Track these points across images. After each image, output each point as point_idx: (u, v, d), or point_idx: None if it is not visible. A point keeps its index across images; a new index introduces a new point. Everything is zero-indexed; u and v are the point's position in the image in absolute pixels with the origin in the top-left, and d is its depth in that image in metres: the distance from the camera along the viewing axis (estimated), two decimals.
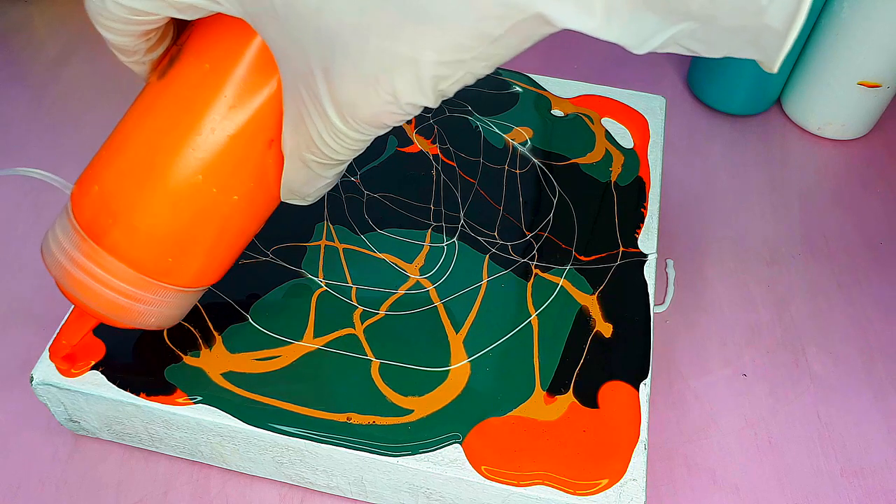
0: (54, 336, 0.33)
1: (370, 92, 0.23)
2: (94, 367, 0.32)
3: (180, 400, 0.32)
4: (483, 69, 0.23)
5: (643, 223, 0.39)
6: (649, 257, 0.37)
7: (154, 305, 0.29)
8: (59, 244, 0.28)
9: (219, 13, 0.25)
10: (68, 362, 0.32)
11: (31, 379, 0.32)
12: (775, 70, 0.21)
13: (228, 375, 0.32)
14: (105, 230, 0.27)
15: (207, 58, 0.26)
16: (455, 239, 0.38)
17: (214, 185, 0.27)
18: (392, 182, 0.40)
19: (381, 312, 0.35)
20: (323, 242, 0.37)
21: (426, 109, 0.44)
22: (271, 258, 0.36)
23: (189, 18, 0.25)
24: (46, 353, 0.33)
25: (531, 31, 0.21)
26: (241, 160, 0.26)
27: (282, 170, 0.27)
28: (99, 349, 0.33)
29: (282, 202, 0.29)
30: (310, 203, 0.30)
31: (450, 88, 0.23)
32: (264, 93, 0.26)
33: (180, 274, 0.28)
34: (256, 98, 0.26)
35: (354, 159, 0.41)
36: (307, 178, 0.27)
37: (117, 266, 0.27)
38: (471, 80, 0.23)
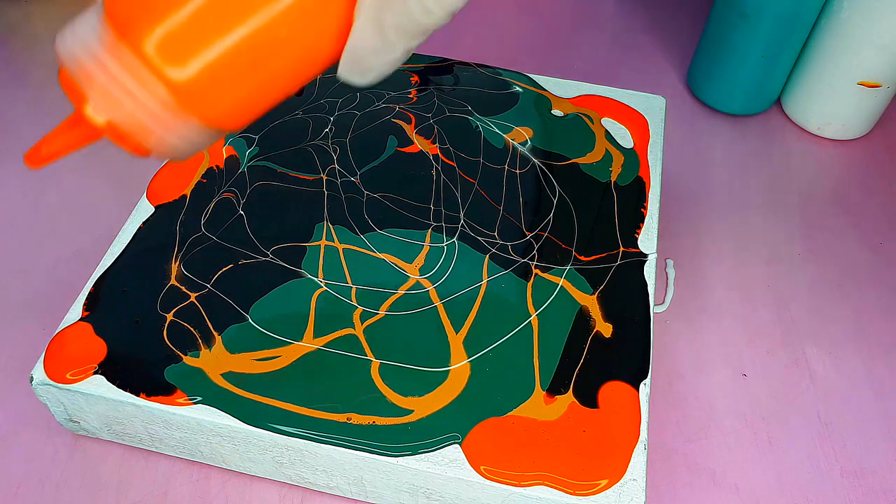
0: (52, 338, 0.33)
1: None
2: (94, 372, 0.32)
3: (180, 400, 0.32)
4: None
5: (643, 223, 0.39)
6: (649, 257, 0.37)
7: (161, 126, 0.26)
8: (78, 35, 0.26)
9: None
10: (36, 164, 0.27)
11: (31, 379, 0.32)
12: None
13: (228, 376, 0.32)
14: (132, 24, 0.24)
15: None
16: (455, 239, 0.38)
17: (266, 12, 0.23)
18: (392, 182, 0.40)
19: (381, 312, 0.35)
20: (323, 242, 0.37)
21: (427, 109, 0.44)
22: (271, 258, 0.36)
23: None
24: (45, 354, 0.33)
25: None
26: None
27: (338, 31, 0.24)
28: (101, 350, 0.33)
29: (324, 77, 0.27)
30: (367, 83, 0.25)
31: None
32: None
33: (202, 100, 0.25)
34: None
35: (354, 159, 0.41)
36: (377, 47, 0.23)
37: (140, 70, 0.24)
38: None
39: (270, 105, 0.26)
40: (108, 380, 0.32)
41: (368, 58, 0.24)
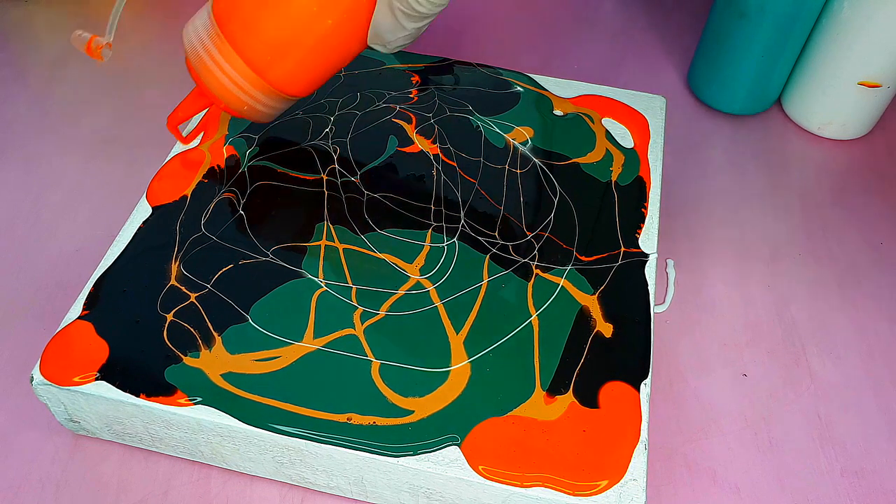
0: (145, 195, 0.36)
1: None
2: (96, 379, 0.32)
3: (181, 401, 0.32)
4: None
5: (643, 223, 0.39)
6: (650, 257, 0.37)
7: (249, 96, 0.36)
8: (195, 27, 0.36)
9: None
10: (173, 126, 0.39)
11: (32, 379, 0.32)
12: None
13: (228, 376, 0.32)
14: (228, 20, 0.35)
15: None
16: (455, 239, 0.38)
17: (316, 6, 0.34)
18: (392, 182, 0.40)
19: (382, 313, 0.35)
20: (323, 242, 0.37)
21: (427, 109, 0.44)
22: (271, 258, 0.36)
23: None
24: (45, 354, 0.33)
25: None
26: None
27: (368, 17, 0.34)
28: (101, 350, 0.33)
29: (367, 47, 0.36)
30: (390, 51, 0.35)
31: None
32: None
33: (275, 73, 0.35)
34: None
35: (355, 159, 0.41)
36: (392, 26, 0.33)
37: (230, 52, 0.35)
38: None
39: (329, 75, 0.37)
40: (109, 380, 0.32)
41: (385, 34, 0.34)
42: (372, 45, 0.35)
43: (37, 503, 0.34)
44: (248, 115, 0.37)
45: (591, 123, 0.44)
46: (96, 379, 0.32)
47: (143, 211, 0.38)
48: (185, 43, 0.36)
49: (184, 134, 0.42)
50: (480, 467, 0.30)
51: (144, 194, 0.39)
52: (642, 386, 0.33)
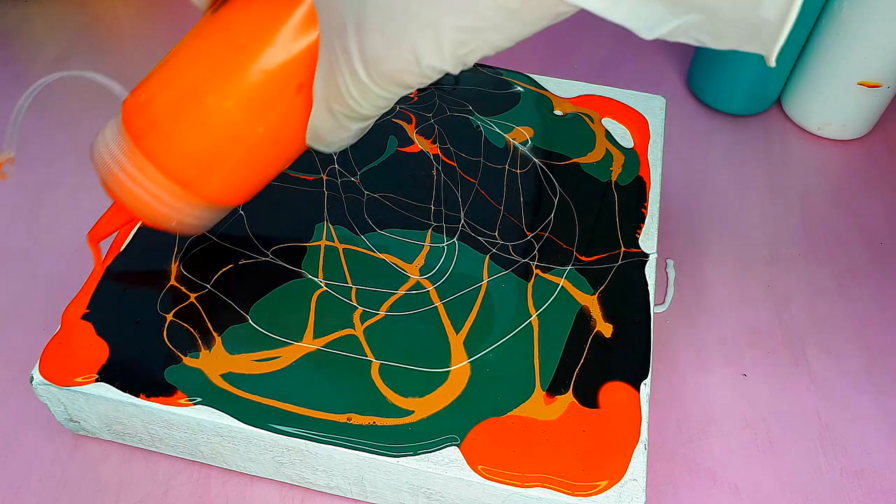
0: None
1: (393, 49, 0.24)
2: (96, 380, 0.32)
3: (181, 401, 0.32)
4: (501, 41, 0.24)
5: (643, 223, 0.39)
6: (650, 257, 0.37)
7: (176, 211, 0.32)
8: (105, 142, 0.32)
9: None
10: (94, 243, 0.35)
11: (32, 379, 0.32)
12: (772, 63, 0.21)
13: (228, 377, 0.32)
14: (144, 134, 0.30)
15: (258, 3, 0.29)
16: (455, 239, 0.38)
17: (243, 114, 0.29)
18: (392, 182, 0.40)
19: (382, 313, 0.35)
20: (323, 242, 0.37)
21: (427, 109, 0.44)
22: (271, 258, 0.36)
23: None
24: (44, 355, 0.33)
25: (546, 8, 0.23)
26: (272, 97, 0.29)
27: (308, 115, 0.29)
28: (101, 350, 0.33)
29: (308, 151, 0.32)
30: (332, 151, 0.31)
31: (469, 57, 0.24)
32: (303, 41, 0.28)
33: (203, 187, 0.31)
34: (296, 45, 0.28)
35: (355, 159, 0.41)
36: (332, 126, 0.29)
37: (150, 169, 0.31)
38: (490, 52, 0.24)
39: (269, 180, 0.33)
40: (109, 381, 0.32)
41: (326, 136, 0.29)
42: (312, 146, 0.31)
43: (37, 503, 0.34)
44: (178, 230, 0.32)
45: (590, 123, 0.44)
46: (96, 380, 0.32)
47: None
48: (94, 158, 0.32)
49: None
50: (480, 467, 0.30)
51: None
52: (642, 386, 0.33)
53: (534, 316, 0.35)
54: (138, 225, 0.37)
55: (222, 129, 0.30)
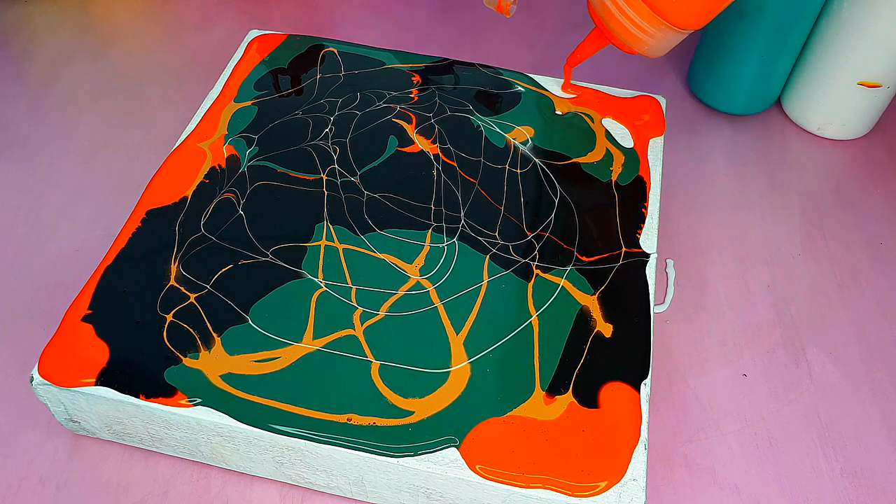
0: None
1: None
2: (96, 383, 0.32)
3: (181, 402, 0.32)
4: None
5: (644, 223, 0.39)
6: (650, 257, 0.37)
7: (651, 36, 0.40)
8: None
9: None
10: (570, 67, 0.44)
11: (32, 379, 0.32)
12: None
13: (227, 377, 0.32)
14: None
15: None
16: (455, 239, 0.38)
17: None
18: (392, 182, 0.40)
19: (381, 313, 0.35)
20: (323, 243, 0.37)
21: (428, 109, 0.44)
22: (271, 259, 0.36)
23: None
24: (44, 355, 0.33)
25: None
26: None
27: None
28: (101, 351, 0.33)
29: None
30: None
31: None
32: None
33: (678, 15, 0.39)
34: None
35: (355, 159, 0.41)
36: None
37: (636, 1, 0.39)
38: None
39: (719, 8, 0.40)
40: (109, 382, 0.32)
41: None
42: None
43: (37, 503, 0.34)
44: (646, 52, 0.41)
45: (591, 123, 0.44)
46: (96, 383, 0.32)
47: (142, 210, 0.38)
48: None
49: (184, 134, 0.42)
50: (480, 467, 0.30)
51: (143, 194, 0.39)
52: (642, 386, 0.33)
53: (534, 316, 0.35)
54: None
55: None
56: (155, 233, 0.37)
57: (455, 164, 0.41)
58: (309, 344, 0.33)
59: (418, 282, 0.36)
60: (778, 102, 0.55)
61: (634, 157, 0.42)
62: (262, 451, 0.32)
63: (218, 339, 0.33)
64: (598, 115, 0.44)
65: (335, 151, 0.41)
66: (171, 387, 0.32)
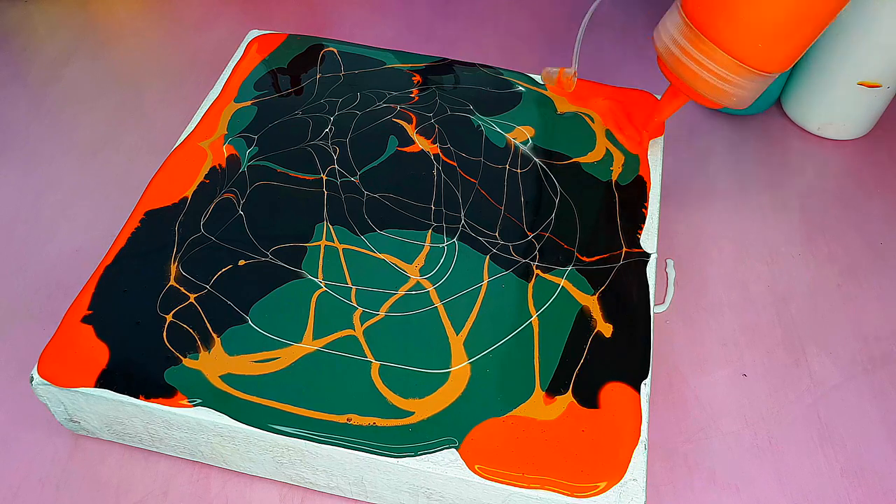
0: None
1: None
2: (96, 385, 0.32)
3: (182, 402, 0.32)
4: None
5: (644, 223, 0.39)
6: (651, 257, 0.37)
7: (737, 87, 0.37)
8: (668, 32, 0.37)
9: None
10: (653, 129, 0.41)
11: (32, 379, 0.32)
12: None
13: (227, 378, 0.32)
14: (710, 21, 0.35)
15: None
16: (455, 239, 0.38)
17: None
18: (392, 182, 0.40)
19: (381, 313, 0.35)
20: (323, 243, 0.37)
21: (428, 108, 0.44)
22: (271, 259, 0.36)
23: None
24: (43, 356, 0.33)
25: None
26: None
27: None
28: (101, 351, 0.33)
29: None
30: None
31: None
32: None
33: (766, 60, 0.35)
34: None
35: (355, 159, 0.41)
36: None
37: (715, 51, 0.35)
38: None
39: (807, 47, 0.37)
40: (108, 383, 0.32)
41: None
42: None
43: (37, 503, 0.34)
44: (734, 104, 0.38)
45: (591, 123, 0.44)
46: (96, 384, 0.32)
47: (142, 210, 0.38)
48: (658, 48, 0.38)
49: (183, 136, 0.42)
50: (480, 467, 0.30)
51: (143, 195, 0.39)
52: (642, 386, 0.33)
53: (534, 316, 0.35)
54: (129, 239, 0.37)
55: (794, 7, 0.34)
56: (155, 233, 0.37)
57: (455, 164, 0.41)
58: (309, 344, 0.33)
59: (418, 282, 0.36)
60: (778, 102, 0.55)
61: (634, 157, 0.42)
62: (262, 451, 0.32)
63: (217, 340, 0.33)
64: (599, 114, 0.44)
65: (335, 151, 0.41)
66: (171, 387, 0.32)
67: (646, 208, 0.40)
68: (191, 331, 0.34)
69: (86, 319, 0.34)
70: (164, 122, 0.51)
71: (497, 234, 0.38)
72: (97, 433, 0.35)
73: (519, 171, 0.41)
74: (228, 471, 0.35)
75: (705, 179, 0.50)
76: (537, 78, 0.46)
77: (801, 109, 0.52)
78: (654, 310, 0.36)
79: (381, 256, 0.37)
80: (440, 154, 0.42)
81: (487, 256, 0.37)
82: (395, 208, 0.39)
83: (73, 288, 0.41)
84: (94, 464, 0.35)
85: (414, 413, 0.31)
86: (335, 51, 0.47)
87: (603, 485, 0.30)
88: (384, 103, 0.44)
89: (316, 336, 0.34)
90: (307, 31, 0.58)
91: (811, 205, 0.48)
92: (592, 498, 0.30)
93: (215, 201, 0.39)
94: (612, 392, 0.33)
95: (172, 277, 0.35)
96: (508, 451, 0.31)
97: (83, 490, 0.34)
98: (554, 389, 0.32)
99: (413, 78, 0.46)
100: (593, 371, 0.33)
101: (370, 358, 0.33)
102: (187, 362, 0.33)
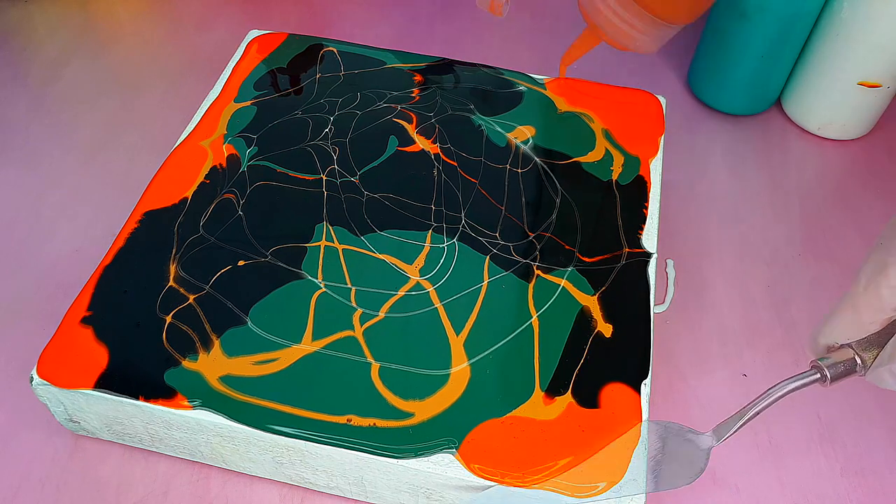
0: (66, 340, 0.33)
1: None
2: (95, 387, 0.32)
3: (182, 403, 0.31)
4: None
5: (645, 223, 0.39)
6: (652, 257, 0.37)
7: (640, 32, 0.42)
8: None
9: None
10: (564, 66, 0.47)
11: (31, 379, 0.32)
12: None
13: (226, 379, 0.32)
14: None
15: None
16: (455, 240, 0.38)
17: None
18: (392, 182, 0.40)
19: (381, 314, 0.35)
20: (322, 243, 0.37)
21: (429, 108, 0.44)
22: (270, 259, 0.36)
23: None
24: (43, 357, 0.33)
25: None
26: None
27: None
28: (100, 352, 0.33)
29: None
30: None
31: None
32: None
33: (665, 10, 0.40)
34: None
35: (355, 159, 0.41)
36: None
37: (629, 3, 0.40)
38: None
39: (708, 4, 0.41)
40: (108, 384, 0.32)
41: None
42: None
43: (37, 503, 0.34)
44: (636, 48, 0.43)
45: (590, 122, 0.44)
46: (95, 385, 0.32)
47: (141, 211, 0.38)
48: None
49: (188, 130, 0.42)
50: (479, 468, 0.30)
51: (143, 195, 0.39)
52: (642, 386, 0.33)
53: (534, 317, 0.35)
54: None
55: None
56: (154, 233, 0.37)
57: (456, 164, 0.41)
58: (308, 345, 0.33)
59: (418, 282, 0.36)
60: (778, 102, 0.55)
61: (635, 157, 0.42)
62: (262, 452, 0.32)
63: (217, 341, 0.33)
64: (597, 114, 0.44)
65: (335, 151, 0.41)
66: (171, 388, 0.32)
67: (646, 208, 0.40)
68: (190, 332, 0.34)
69: (85, 321, 0.34)
70: (164, 122, 0.51)
71: (497, 235, 0.38)
72: (97, 433, 0.35)
73: (520, 170, 0.41)
74: (228, 471, 0.35)
75: (705, 179, 0.50)
76: (538, 78, 0.46)
77: (801, 109, 0.52)
78: (654, 310, 0.36)
79: (381, 257, 0.37)
80: (440, 154, 0.42)
81: (488, 257, 0.37)
82: (395, 208, 0.39)
83: (72, 288, 0.41)
84: (94, 464, 0.35)
85: (414, 415, 0.31)
86: (335, 51, 0.47)
87: (603, 485, 0.30)
88: (384, 103, 0.44)
89: (315, 337, 0.34)
90: (307, 31, 0.58)
91: (811, 205, 0.48)
92: (592, 498, 0.30)
93: (215, 201, 0.39)
94: (612, 392, 0.33)
95: (172, 278, 0.35)
96: (508, 452, 0.31)
97: (83, 490, 0.34)
98: (554, 390, 0.32)
99: (414, 77, 0.46)
100: (593, 371, 0.33)
101: (370, 359, 0.33)
102: (187, 364, 0.33)
